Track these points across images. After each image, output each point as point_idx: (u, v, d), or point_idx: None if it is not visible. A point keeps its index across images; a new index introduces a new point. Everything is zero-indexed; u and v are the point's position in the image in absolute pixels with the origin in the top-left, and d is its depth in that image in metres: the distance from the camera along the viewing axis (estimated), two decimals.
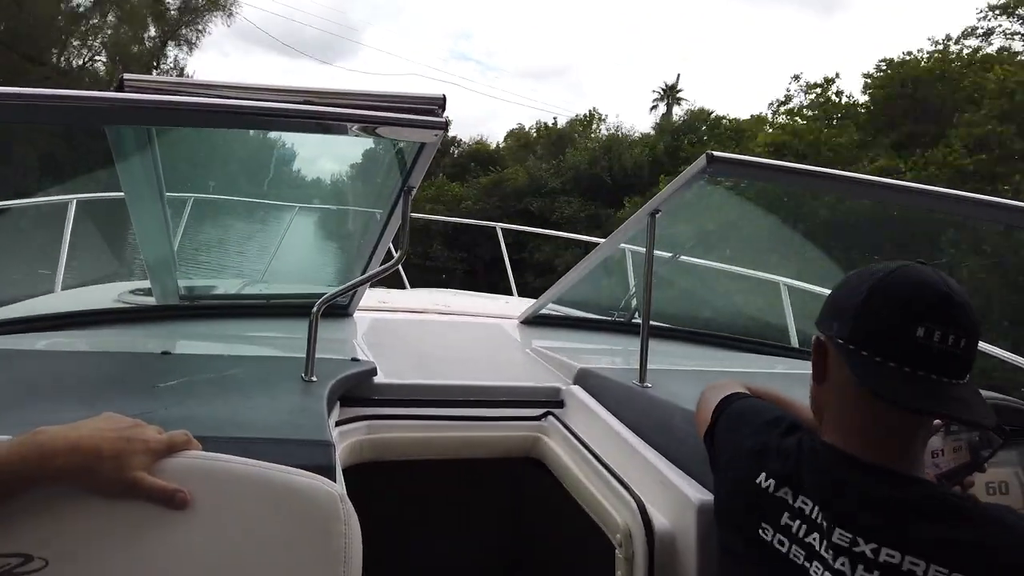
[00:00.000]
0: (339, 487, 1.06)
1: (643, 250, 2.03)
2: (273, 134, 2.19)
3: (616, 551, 1.52)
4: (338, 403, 1.81)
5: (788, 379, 1.70)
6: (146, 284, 2.56)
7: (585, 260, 2.47)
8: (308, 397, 1.61)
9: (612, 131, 37.41)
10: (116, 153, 2.14)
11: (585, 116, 40.95)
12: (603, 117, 41.32)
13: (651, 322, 2.02)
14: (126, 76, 1.98)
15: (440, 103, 1.88)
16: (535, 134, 43.01)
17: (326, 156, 2.33)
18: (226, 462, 1.00)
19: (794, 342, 3.03)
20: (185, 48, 43.58)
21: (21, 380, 1.53)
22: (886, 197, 2.17)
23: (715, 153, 1.80)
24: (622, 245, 2.57)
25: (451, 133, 44.83)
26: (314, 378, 1.69)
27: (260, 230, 2.82)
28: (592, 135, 38.94)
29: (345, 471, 1.58)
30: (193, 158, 2.21)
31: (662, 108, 44.69)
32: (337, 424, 1.77)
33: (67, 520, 0.93)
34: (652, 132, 36.68)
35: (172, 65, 42.46)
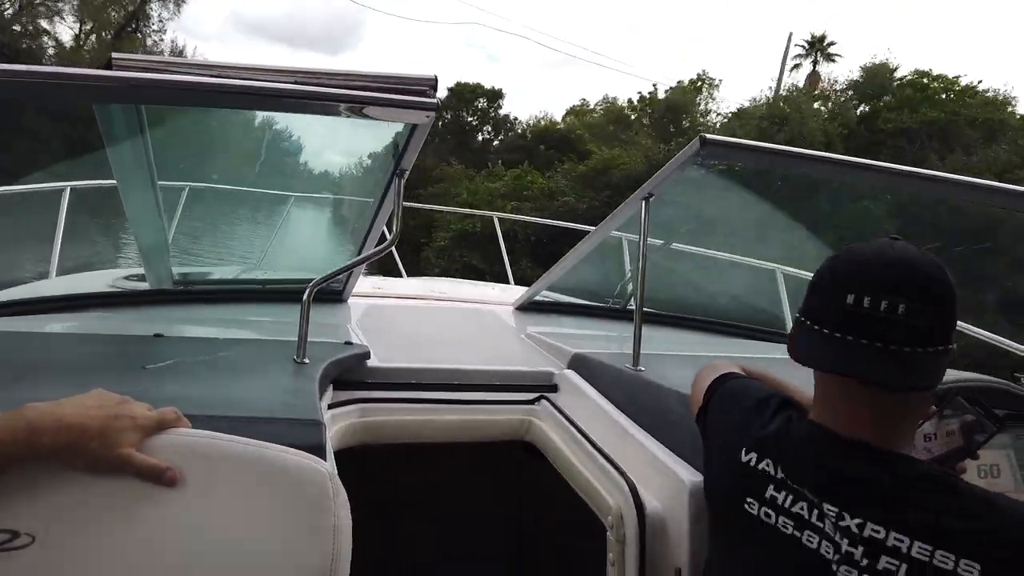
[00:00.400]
0: (329, 465, 1.06)
1: (636, 236, 2.03)
2: (268, 120, 2.20)
3: (608, 533, 1.52)
4: (331, 386, 1.81)
5: (784, 365, 1.69)
6: (141, 270, 2.56)
7: (579, 246, 2.47)
8: (299, 378, 1.61)
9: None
10: (106, 138, 2.15)
11: (692, 83, 32.27)
12: (716, 83, 33.08)
13: (646, 308, 2.01)
14: (114, 55, 1.98)
15: (432, 83, 1.86)
16: (626, 106, 35.04)
17: (322, 142, 2.32)
18: (215, 439, 1.00)
19: (789, 328, 3.00)
20: (172, 5, 36.86)
21: (14, 361, 1.53)
22: (889, 184, 2.14)
23: (708, 136, 1.80)
24: (615, 231, 2.55)
25: (503, 111, 38.27)
26: (306, 360, 1.70)
27: (255, 217, 2.83)
28: (703, 106, 31.20)
29: (339, 454, 1.58)
30: (186, 144, 2.21)
31: (806, 67, 35.69)
32: (330, 407, 1.77)
33: (55, 497, 0.92)
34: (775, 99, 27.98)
35: (157, 27, 36.34)
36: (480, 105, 38.19)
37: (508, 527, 2.46)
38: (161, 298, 2.35)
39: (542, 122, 37.41)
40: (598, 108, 36.71)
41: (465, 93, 37.45)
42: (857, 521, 1.00)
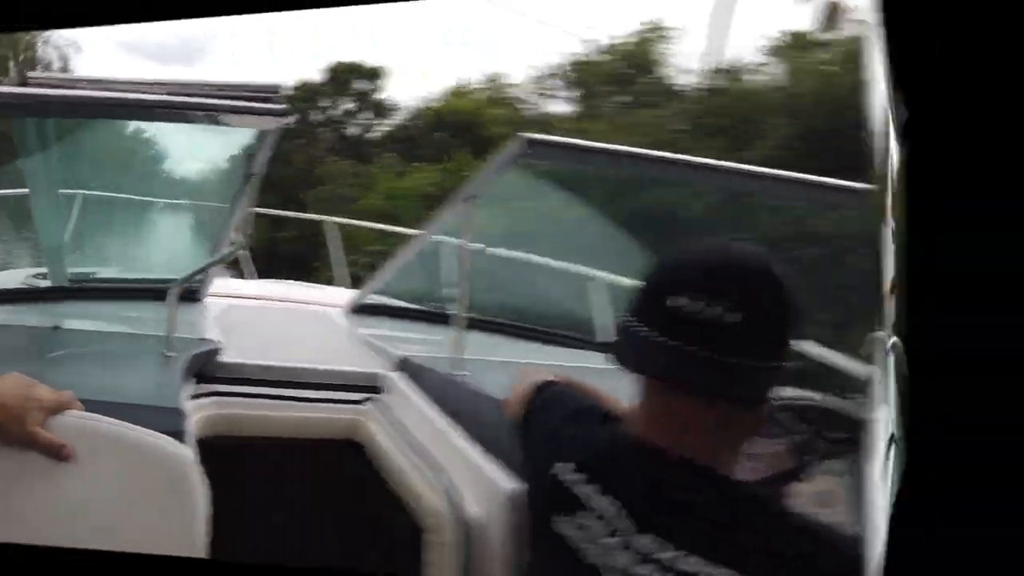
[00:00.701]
0: (187, 449, 1.25)
1: (459, 240, 2.15)
2: (148, 129, 2.46)
3: (428, 536, 1.56)
4: (194, 379, 1.98)
5: (598, 375, 1.78)
6: (45, 269, 2.84)
7: (406, 249, 2.60)
8: (166, 370, 1.83)
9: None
10: (19, 149, 2.40)
11: (642, 35, 24.86)
12: (672, 34, 24.85)
13: (470, 313, 2.14)
14: (30, 74, 2.27)
15: (275, 90, 2.08)
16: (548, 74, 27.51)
17: (191, 149, 2.57)
18: (100, 422, 1.17)
19: (603, 336, 2.91)
20: None
21: None
22: (722, 182, 2.17)
23: (531, 136, 1.86)
24: (438, 235, 2.68)
25: (383, 94, 30.78)
26: (172, 354, 1.91)
27: (137, 221, 3.10)
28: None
29: (201, 442, 1.73)
30: (82, 155, 2.49)
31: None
32: (192, 397, 1.94)
33: None
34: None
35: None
36: (359, 88, 32.10)
37: (337, 525, 2.56)
38: (59, 295, 2.62)
39: (444, 104, 29.99)
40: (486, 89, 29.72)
41: (340, 74, 31.52)
42: (674, 552, 0.92)
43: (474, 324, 2.32)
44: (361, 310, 2.84)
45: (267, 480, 2.44)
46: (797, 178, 1.94)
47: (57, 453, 1.11)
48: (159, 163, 2.73)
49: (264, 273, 3.41)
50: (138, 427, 1.16)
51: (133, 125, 2.46)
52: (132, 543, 1.11)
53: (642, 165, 2.08)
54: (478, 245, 2.46)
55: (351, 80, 28.50)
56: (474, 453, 1.61)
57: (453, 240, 2.33)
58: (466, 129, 23.43)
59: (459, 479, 1.60)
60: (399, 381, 2.06)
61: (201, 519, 1.15)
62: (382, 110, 29.47)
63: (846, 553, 0.89)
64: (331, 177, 23.71)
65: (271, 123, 2.01)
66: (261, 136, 2.10)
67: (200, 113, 2.01)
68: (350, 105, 28.09)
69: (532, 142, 1.89)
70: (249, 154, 2.13)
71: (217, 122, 2.05)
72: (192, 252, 2.89)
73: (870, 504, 1.22)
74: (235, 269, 2.84)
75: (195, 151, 2.51)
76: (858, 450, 1.35)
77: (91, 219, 2.65)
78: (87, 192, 2.65)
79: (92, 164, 2.50)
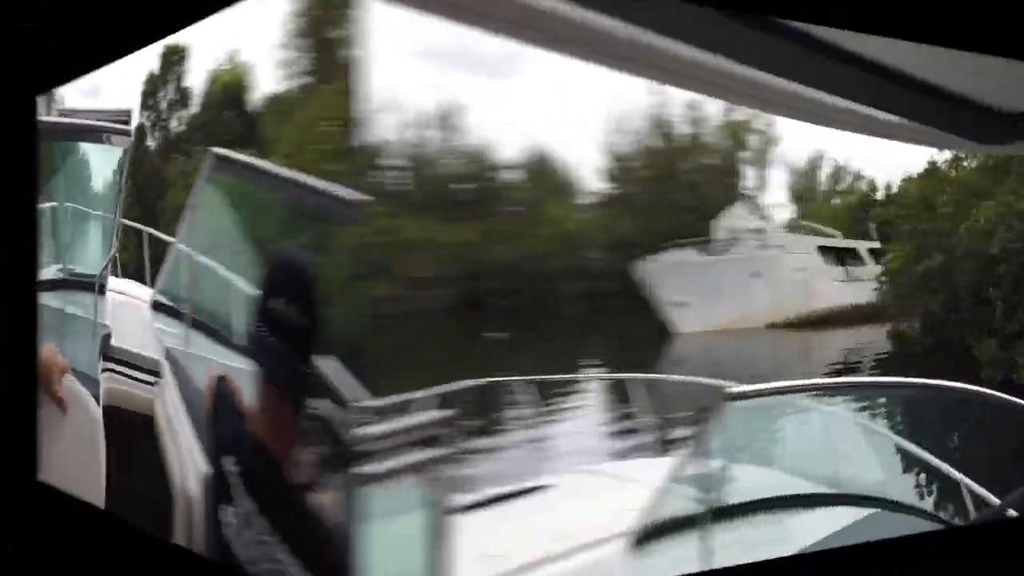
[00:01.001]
0: (99, 411, 1.85)
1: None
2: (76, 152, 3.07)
3: (175, 505, 1.99)
4: (101, 356, 2.53)
5: None
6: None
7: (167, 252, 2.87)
8: (94, 347, 2.49)
9: None
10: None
11: None
12: None
13: (194, 315, 2.44)
14: (59, 108, 2.99)
15: (127, 114, 2.55)
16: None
17: (101, 168, 3.10)
18: (72, 383, 1.79)
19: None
20: None
21: None
22: None
23: (218, 152, 2.06)
24: (179, 242, 2.82)
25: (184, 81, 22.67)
26: (96, 335, 2.57)
27: (88, 229, 3.76)
28: None
29: (103, 408, 2.33)
30: (68, 175, 3.16)
31: None
32: (101, 372, 2.50)
33: None
34: None
35: None
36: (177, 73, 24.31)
37: (140, 487, 2.85)
38: (64, 284, 3.31)
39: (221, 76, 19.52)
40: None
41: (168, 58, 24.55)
42: (273, 540, 1.10)
43: (197, 324, 2.54)
44: (153, 306, 3.19)
45: (115, 444, 2.90)
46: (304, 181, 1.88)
47: (60, 404, 1.66)
48: (89, 180, 3.38)
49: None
50: (85, 390, 1.66)
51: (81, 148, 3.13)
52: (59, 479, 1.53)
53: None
54: (192, 252, 2.66)
55: (173, 65, 27.48)
56: (192, 438, 1.99)
57: (181, 247, 2.59)
58: (232, 103, 21.54)
59: (187, 459, 1.96)
60: (166, 368, 2.43)
61: (101, 470, 1.61)
62: (185, 96, 27.90)
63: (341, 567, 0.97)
64: (175, 179, 24.48)
65: (125, 141, 2.45)
66: (124, 153, 2.56)
67: (92, 134, 2.51)
68: (173, 95, 26.87)
69: (219, 158, 2.10)
70: (121, 169, 2.60)
71: (104, 141, 2.53)
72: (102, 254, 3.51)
73: (352, 518, 1.26)
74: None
75: (102, 169, 3.09)
76: (347, 465, 1.39)
77: (68, 228, 3.36)
78: (74, 206, 3.37)
79: (71, 181, 3.19)
